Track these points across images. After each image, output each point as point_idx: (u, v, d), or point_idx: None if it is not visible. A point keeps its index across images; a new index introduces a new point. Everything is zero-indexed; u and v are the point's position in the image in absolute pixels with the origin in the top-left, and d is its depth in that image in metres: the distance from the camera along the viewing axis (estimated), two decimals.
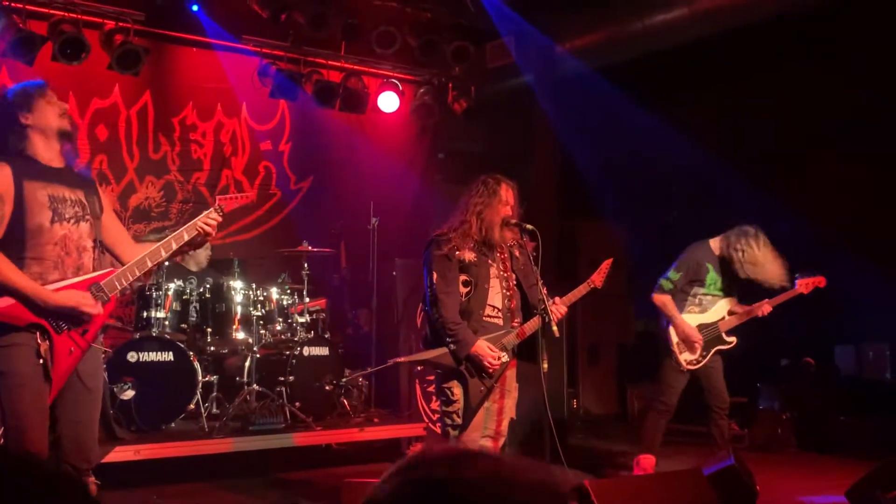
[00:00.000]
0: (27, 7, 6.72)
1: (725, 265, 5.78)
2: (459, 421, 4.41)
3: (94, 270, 3.63)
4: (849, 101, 7.78)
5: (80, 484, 1.02)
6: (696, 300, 5.83)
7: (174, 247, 3.68)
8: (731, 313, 5.86)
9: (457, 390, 4.43)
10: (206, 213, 3.74)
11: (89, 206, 3.66)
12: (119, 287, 3.61)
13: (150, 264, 3.67)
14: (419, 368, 6.98)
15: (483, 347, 4.35)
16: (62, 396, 3.52)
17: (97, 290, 3.55)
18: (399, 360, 4.81)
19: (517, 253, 4.61)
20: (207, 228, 3.69)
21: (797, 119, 8.11)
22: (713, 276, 5.80)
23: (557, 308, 4.49)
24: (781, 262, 5.70)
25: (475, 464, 1.09)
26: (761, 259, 5.64)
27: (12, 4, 6.65)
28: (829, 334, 8.17)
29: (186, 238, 3.69)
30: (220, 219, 3.75)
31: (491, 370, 4.39)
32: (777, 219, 7.70)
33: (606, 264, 4.78)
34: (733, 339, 5.83)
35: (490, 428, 4.53)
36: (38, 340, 3.41)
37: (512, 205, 4.53)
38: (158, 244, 3.68)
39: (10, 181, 3.44)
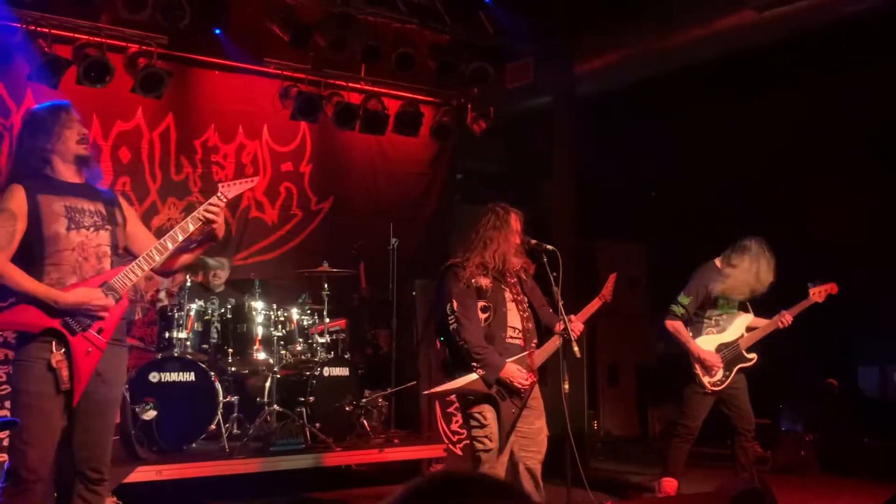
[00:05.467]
0: (53, 31, 6.83)
1: None
2: (492, 445, 4.40)
3: None
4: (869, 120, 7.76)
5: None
6: (713, 321, 5.74)
7: (180, 238, 3.77)
8: (750, 329, 5.77)
9: (489, 414, 4.42)
10: (208, 201, 3.84)
11: (108, 216, 3.78)
12: (129, 283, 3.69)
13: (157, 258, 3.74)
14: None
15: (512, 370, 4.39)
16: (86, 398, 3.59)
17: (107, 288, 3.63)
18: (434, 391, 4.77)
19: (524, 276, 4.69)
20: (210, 216, 3.78)
21: (825, 137, 8.07)
22: (723, 296, 5.73)
23: (575, 326, 4.58)
24: (758, 280, 5.54)
25: None
26: (739, 271, 5.54)
27: (38, 29, 6.77)
28: (852, 355, 8.10)
29: (191, 228, 3.77)
30: (221, 205, 3.85)
31: (522, 391, 4.40)
32: (801, 237, 7.71)
33: (611, 278, 4.85)
34: (754, 356, 5.73)
35: (533, 449, 4.53)
36: (53, 349, 3.51)
37: (519, 232, 4.63)
38: (165, 237, 3.76)
39: (24, 200, 3.58)
